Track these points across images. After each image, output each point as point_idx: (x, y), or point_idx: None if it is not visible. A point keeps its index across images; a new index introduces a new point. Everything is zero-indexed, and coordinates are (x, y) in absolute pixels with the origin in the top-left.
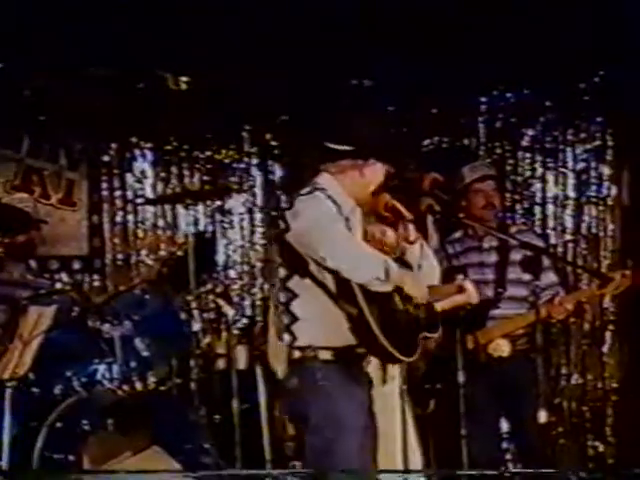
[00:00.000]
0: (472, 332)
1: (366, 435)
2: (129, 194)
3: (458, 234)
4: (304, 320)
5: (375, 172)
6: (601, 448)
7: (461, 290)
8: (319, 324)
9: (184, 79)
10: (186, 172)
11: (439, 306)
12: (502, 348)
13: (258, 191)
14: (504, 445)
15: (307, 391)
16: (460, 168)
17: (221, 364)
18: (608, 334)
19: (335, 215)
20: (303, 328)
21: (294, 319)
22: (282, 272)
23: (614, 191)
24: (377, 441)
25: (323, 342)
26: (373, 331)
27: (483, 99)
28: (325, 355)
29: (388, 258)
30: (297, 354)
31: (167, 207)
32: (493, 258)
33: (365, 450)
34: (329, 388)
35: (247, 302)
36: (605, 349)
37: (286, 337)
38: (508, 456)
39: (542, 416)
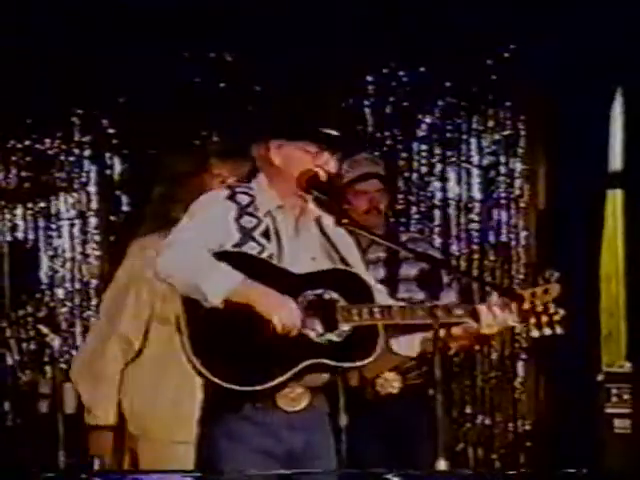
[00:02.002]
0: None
1: None
2: None
3: None
4: None
5: (288, 158)
6: None
7: (474, 315)
8: None
9: None
10: None
11: (446, 333)
12: (391, 383)
13: (92, 189)
14: None
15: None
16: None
17: (44, 407)
18: (520, 365)
19: (221, 213)
20: None
21: None
22: None
23: (527, 191)
24: None
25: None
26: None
27: (370, 78)
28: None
29: (230, 270)
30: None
31: None
32: (380, 273)
33: None
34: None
35: (78, 329)
36: (517, 384)
37: None
38: None
39: (441, 465)
